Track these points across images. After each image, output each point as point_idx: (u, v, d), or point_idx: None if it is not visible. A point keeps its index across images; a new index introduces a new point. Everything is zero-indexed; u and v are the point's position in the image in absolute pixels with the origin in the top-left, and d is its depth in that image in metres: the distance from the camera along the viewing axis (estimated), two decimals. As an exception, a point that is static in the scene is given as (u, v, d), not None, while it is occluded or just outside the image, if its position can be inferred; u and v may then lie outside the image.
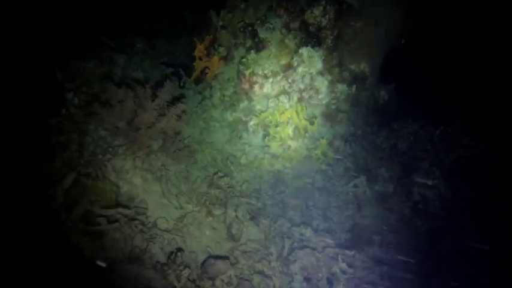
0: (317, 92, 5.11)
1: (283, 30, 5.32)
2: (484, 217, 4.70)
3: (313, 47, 5.02)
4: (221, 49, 5.73)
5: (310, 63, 5.00)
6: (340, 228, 4.40)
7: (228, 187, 4.47)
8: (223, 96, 5.77)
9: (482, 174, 5.32)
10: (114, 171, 3.89)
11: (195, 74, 5.85)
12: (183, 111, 4.29)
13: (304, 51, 5.02)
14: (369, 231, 4.73)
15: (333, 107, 5.34)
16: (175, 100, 4.50)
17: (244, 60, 5.35)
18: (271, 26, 5.29)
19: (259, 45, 5.43)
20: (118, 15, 5.74)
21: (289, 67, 5.18)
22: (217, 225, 4.10)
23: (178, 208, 4.03)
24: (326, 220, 4.52)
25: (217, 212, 4.16)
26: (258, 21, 5.41)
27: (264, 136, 5.19)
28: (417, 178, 5.33)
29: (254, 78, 5.27)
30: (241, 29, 5.65)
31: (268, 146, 5.07)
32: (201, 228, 3.97)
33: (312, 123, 5.04)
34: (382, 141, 6.10)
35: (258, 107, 5.41)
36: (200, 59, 5.75)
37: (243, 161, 5.02)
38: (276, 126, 5.06)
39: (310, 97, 5.16)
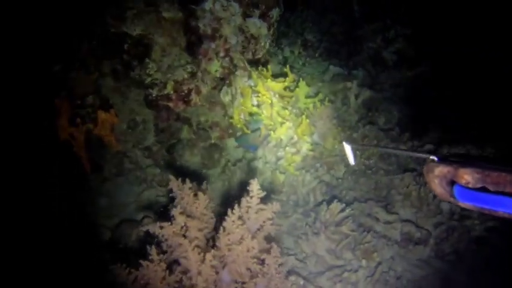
0: (257, 39, 3.66)
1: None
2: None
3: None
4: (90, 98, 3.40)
5: (228, 11, 3.41)
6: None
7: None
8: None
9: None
10: None
11: (85, 162, 3.42)
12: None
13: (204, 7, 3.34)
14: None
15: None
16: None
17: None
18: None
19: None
20: None
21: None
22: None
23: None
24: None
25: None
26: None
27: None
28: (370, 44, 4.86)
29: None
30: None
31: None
32: None
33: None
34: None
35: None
36: (74, 137, 3.32)
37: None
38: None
39: (255, 52, 3.69)
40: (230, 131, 3.80)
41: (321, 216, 2.82)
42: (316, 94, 4.24)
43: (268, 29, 3.72)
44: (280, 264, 2.06)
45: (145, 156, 3.65)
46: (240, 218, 2.14)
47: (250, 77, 3.55)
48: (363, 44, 4.94)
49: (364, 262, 2.61)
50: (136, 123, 3.66)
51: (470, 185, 1.25)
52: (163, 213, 3.08)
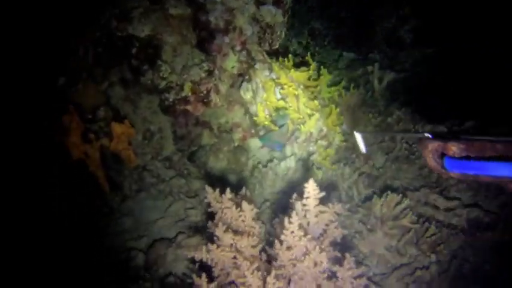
0: (273, 28, 3.39)
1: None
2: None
3: None
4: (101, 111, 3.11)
5: (241, 0, 3.14)
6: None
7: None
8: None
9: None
10: None
11: (103, 182, 3.11)
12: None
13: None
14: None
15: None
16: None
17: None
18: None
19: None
20: None
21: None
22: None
23: None
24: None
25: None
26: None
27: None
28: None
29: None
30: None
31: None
32: None
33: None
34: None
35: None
36: (88, 155, 3.02)
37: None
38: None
39: (272, 42, 3.42)
40: (252, 131, 3.52)
41: (375, 210, 2.54)
42: (336, 82, 3.98)
43: (283, 16, 3.46)
44: (358, 277, 1.78)
45: (167, 167, 3.35)
46: (300, 227, 1.84)
47: (271, 69, 3.28)
48: (375, 26, 4.69)
49: (433, 257, 2.34)
50: (152, 133, 3.37)
51: (456, 155, 1.39)
52: (199, 228, 2.80)
